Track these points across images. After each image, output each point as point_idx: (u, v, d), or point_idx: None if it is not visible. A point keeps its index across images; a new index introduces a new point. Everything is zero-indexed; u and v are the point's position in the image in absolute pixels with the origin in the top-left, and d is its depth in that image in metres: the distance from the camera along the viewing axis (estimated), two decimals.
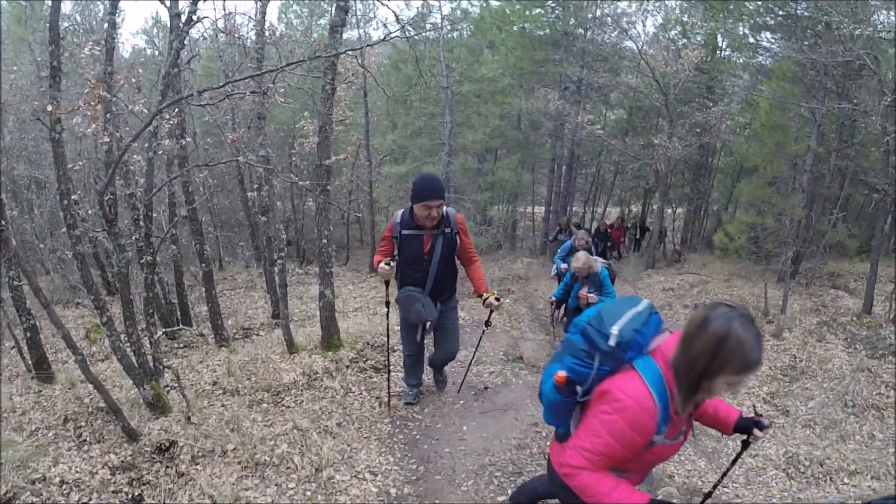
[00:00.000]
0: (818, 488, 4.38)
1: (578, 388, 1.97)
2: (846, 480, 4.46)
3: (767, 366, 7.21)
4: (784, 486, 4.44)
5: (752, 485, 4.38)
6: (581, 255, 5.70)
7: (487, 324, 4.75)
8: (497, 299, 4.12)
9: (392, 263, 3.96)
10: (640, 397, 1.74)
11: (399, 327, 4.74)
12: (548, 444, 4.66)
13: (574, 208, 21.77)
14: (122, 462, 3.65)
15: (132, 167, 5.73)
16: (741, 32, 14.96)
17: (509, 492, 3.79)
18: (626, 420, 1.75)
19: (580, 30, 16.64)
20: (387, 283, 4.32)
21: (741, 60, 16.51)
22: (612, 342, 1.84)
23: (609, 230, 15.76)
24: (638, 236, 18.75)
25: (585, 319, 1.99)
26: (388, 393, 4.95)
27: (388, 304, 4.58)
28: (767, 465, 4.74)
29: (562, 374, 1.97)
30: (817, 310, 9.16)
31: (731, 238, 11.24)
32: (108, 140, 4.49)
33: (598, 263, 5.77)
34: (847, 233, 12.50)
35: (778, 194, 11.21)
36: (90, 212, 6.27)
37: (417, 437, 4.51)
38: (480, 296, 4.19)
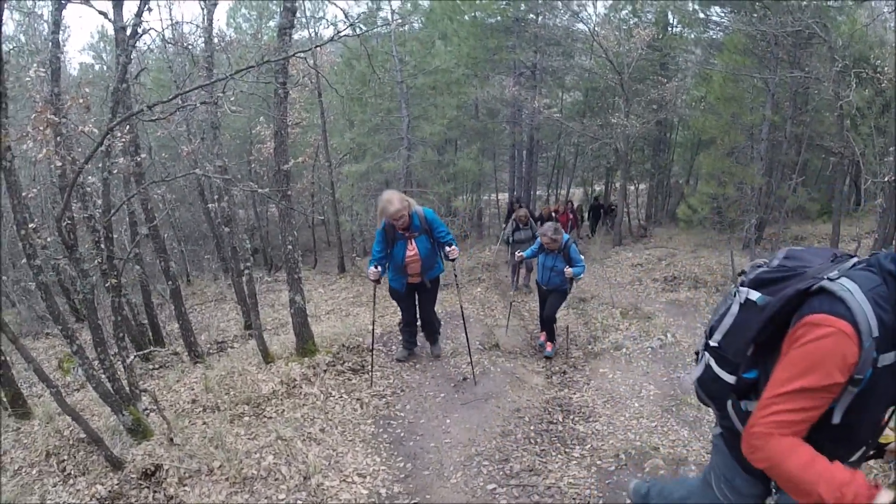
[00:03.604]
0: None
1: None
2: None
3: None
4: None
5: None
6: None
7: None
8: None
9: None
10: None
11: None
12: (531, 428, 4.74)
13: (538, 192, 21.79)
14: (110, 492, 3.60)
15: (88, 189, 5.59)
16: (691, 8, 15.28)
17: (498, 478, 3.85)
18: None
19: (531, 15, 16.67)
20: None
21: (692, 36, 16.82)
22: None
23: (554, 215, 15.60)
24: (589, 218, 18.55)
25: None
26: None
27: None
28: None
29: None
30: None
31: (695, 210, 11.45)
32: (60, 164, 4.37)
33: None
34: (807, 196, 12.83)
35: (737, 164, 11.42)
36: (49, 239, 6.09)
37: (402, 434, 4.54)
38: None
